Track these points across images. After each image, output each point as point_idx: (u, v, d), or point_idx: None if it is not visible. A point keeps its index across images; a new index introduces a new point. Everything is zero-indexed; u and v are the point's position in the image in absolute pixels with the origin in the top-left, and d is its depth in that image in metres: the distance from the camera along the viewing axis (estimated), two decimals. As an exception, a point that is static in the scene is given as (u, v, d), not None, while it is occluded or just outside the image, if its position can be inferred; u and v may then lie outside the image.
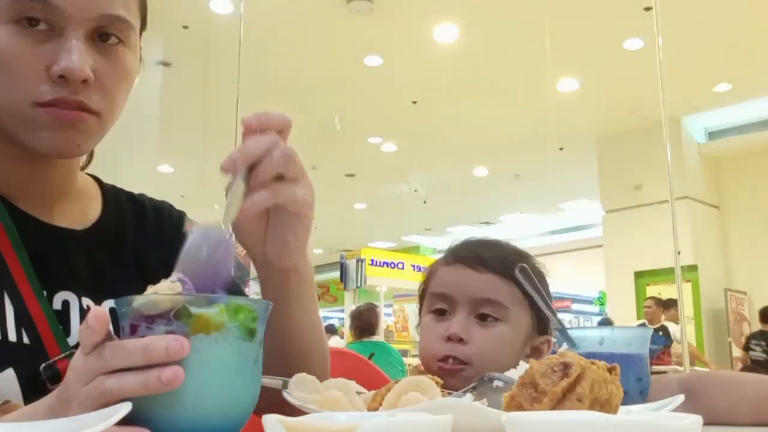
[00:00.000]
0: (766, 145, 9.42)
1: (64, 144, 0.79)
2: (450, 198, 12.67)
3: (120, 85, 0.82)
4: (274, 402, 0.65)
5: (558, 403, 0.52)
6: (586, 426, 0.45)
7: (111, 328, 0.55)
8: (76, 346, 0.58)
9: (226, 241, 0.65)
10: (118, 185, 1.02)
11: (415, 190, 11.92)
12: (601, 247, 10.60)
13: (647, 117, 8.01)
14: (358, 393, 0.67)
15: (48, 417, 0.56)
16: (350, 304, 14.61)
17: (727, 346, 9.30)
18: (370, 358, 1.85)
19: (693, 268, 8.77)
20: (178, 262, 0.63)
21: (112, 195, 0.97)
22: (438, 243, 16.35)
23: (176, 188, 11.23)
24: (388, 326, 13.28)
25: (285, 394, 0.67)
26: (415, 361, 9.33)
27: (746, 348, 7.64)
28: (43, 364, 0.75)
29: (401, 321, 13.43)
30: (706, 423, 0.49)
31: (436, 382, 0.64)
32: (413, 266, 12.46)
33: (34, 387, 0.73)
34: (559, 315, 1.05)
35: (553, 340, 1.18)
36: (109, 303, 0.85)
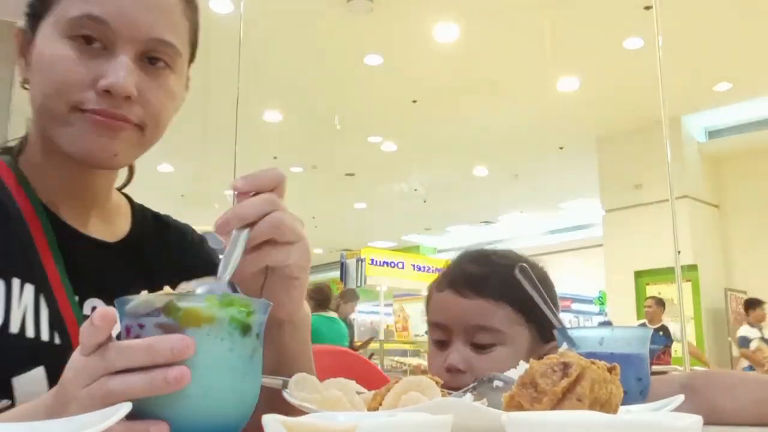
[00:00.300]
0: (766, 145, 9.42)
1: (99, 150, 0.82)
2: (450, 197, 12.68)
3: (164, 105, 0.85)
4: (274, 402, 0.65)
5: (558, 403, 0.52)
6: (586, 426, 0.45)
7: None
8: None
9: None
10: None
11: (415, 190, 11.92)
12: (601, 247, 10.60)
13: (647, 117, 8.01)
14: (358, 393, 0.67)
15: (45, 417, 0.56)
16: (350, 303, 14.61)
17: (727, 346, 9.30)
18: (370, 358, 1.85)
19: (693, 268, 8.77)
20: None
21: (140, 213, 1.02)
22: (438, 242, 16.37)
23: (176, 188, 11.25)
24: (388, 326, 13.28)
25: (285, 394, 0.67)
26: (415, 361, 9.33)
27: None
28: (66, 366, 0.76)
29: (401, 321, 13.44)
30: (707, 423, 0.49)
31: (436, 382, 0.64)
32: (413, 266, 12.47)
33: None
34: (559, 315, 1.05)
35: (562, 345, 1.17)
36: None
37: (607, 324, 8.42)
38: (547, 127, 9.14)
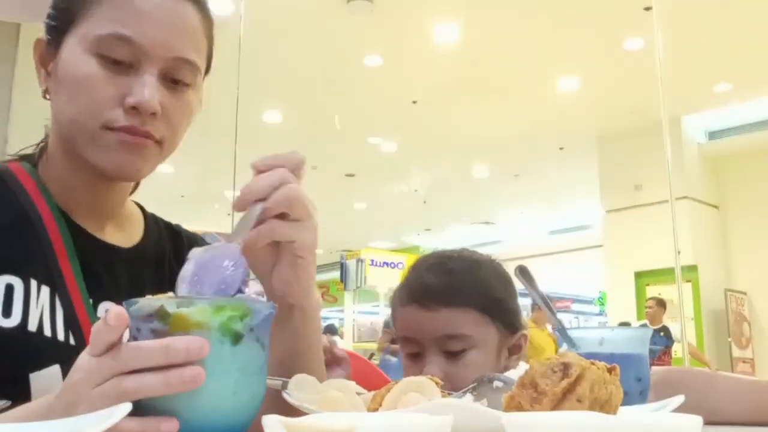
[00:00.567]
0: (766, 145, 9.42)
1: (127, 166, 0.86)
2: (450, 198, 12.68)
3: (182, 121, 0.90)
4: (273, 402, 0.65)
5: (558, 404, 0.52)
6: (586, 426, 0.45)
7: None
8: None
9: (237, 257, 0.67)
10: None
11: (415, 190, 11.93)
12: (601, 248, 10.60)
13: (647, 117, 8.01)
14: (358, 393, 0.67)
15: (48, 418, 0.56)
16: (350, 304, 14.65)
17: (727, 346, 9.30)
18: (370, 359, 1.85)
19: (693, 268, 8.77)
20: (185, 278, 0.66)
21: (152, 221, 1.06)
22: (438, 242, 16.35)
23: (176, 188, 11.25)
24: (388, 326, 13.27)
25: (285, 395, 0.67)
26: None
27: None
28: (72, 367, 0.77)
29: (401, 321, 13.42)
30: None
31: (436, 383, 0.64)
32: (413, 266, 12.46)
33: None
34: (559, 315, 1.05)
35: (527, 332, 1.24)
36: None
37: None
38: (547, 127, 9.13)
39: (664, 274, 8.10)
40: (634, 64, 7.08)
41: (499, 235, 15.58)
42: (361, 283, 12.85)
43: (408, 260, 12.55)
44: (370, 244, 15.39)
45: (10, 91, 4.13)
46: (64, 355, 0.79)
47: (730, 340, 9.34)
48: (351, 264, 13.28)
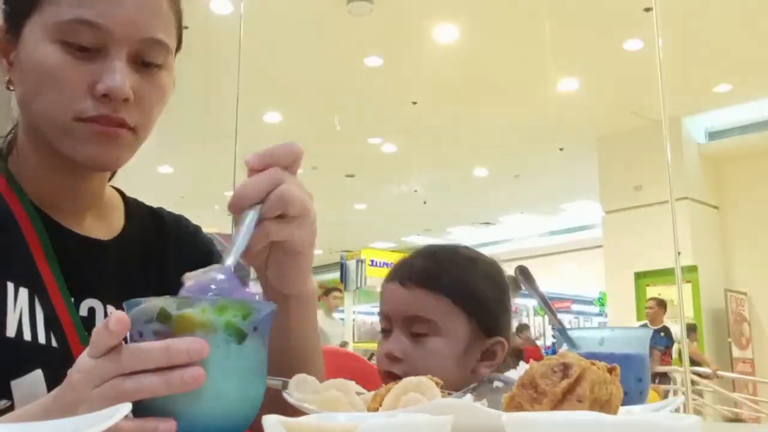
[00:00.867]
0: (766, 145, 9.42)
1: (104, 157, 0.82)
2: (450, 198, 12.67)
3: (156, 105, 0.86)
4: (273, 402, 0.65)
5: (558, 404, 0.52)
6: (586, 426, 0.45)
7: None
8: None
9: (226, 283, 0.65)
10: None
11: (415, 191, 11.92)
12: (601, 248, 10.60)
13: (647, 117, 8.01)
14: (358, 393, 0.67)
15: (47, 419, 0.56)
16: (350, 305, 14.64)
17: (727, 346, 9.30)
18: (370, 359, 1.85)
19: (693, 269, 8.77)
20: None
21: (134, 207, 1.01)
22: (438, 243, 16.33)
23: (176, 188, 11.26)
24: (388, 326, 13.26)
25: (285, 395, 0.67)
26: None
27: None
28: (71, 369, 0.76)
29: (401, 321, 13.41)
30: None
31: (436, 383, 0.64)
32: (413, 266, 12.44)
33: None
34: (559, 315, 1.05)
35: (503, 340, 1.19)
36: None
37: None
38: (547, 127, 9.14)
39: (664, 275, 8.10)
40: (634, 64, 7.08)
41: (499, 236, 15.59)
42: (361, 283, 12.83)
43: (408, 261, 12.53)
44: (370, 244, 15.38)
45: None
46: (46, 359, 0.78)
47: (730, 340, 9.34)
48: (351, 264, 13.27)
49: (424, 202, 12.60)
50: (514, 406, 0.54)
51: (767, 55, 7.25)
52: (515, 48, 7.12)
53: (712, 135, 10.04)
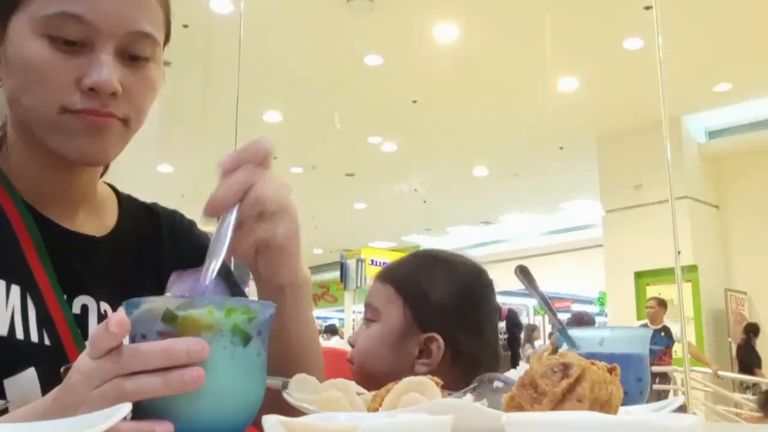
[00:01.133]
0: (766, 145, 9.42)
1: (92, 150, 0.81)
2: (450, 198, 12.68)
3: (145, 97, 0.85)
4: (273, 402, 0.65)
5: (558, 404, 0.52)
6: (586, 426, 0.45)
7: None
8: None
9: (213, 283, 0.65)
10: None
11: (415, 190, 11.92)
12: (601, 247, 10.60)
13: (647, 117, 8.01)
14: (358, 393, 0.67)
15: (46, 419, 0.56)
16: (350, 304, 14.64)
17: (727, 346, 9.30)
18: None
19: (693, 268, 8.77)
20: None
21: (127, 203, 1.00)
22: (438, 243, 16.35)
23: (176, 188, 11.24)
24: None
25: (285, 395, 0.67)
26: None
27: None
28: (64, 367, 0.76)
29: (401, 321, 13.40)
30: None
31: (436, 383, 0.64)
32: (413, 266, 12.44)
33: (54, 387, 0.75)
34: (559, 315, 1.05)
35: (438, 337, 1.18)
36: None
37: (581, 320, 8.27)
38: (547, 127, 9.14)
39: (664, 274, 8.11)
40: (634, 64, 7.07)
41: (499, 235, 15.58)
42: (361, 282, 12.83)
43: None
44: (370, 243, 15.38)
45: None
46: (39, 357, 0.78)
47: (730, 340, 9.34)
48: (351, 264, 13.27)
49: (424, 201, 12.60)
50: (514, 406, 0.54)
51: (767, 54, 7.25)
52: (515, 47, 7.12)
53: (712, 134, 10.04)
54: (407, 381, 0.64)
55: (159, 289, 0.61)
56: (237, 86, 4.91)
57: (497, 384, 0.68)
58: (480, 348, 1.20)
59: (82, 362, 0.56)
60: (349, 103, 8.53)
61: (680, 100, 7.79)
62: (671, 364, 7.30)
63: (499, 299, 1.29)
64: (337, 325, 14.98)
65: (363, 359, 1.20)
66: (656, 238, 7.60)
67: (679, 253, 4.55)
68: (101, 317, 0.86)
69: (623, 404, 0.57)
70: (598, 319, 13.98)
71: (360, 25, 6.66)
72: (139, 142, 0.89)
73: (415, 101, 8.51)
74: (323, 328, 12.87)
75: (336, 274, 14.45)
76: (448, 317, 1.18)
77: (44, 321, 0.80)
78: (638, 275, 9.43)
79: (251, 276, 0.82)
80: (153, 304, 0.55)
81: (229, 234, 0.68)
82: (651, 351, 0.93)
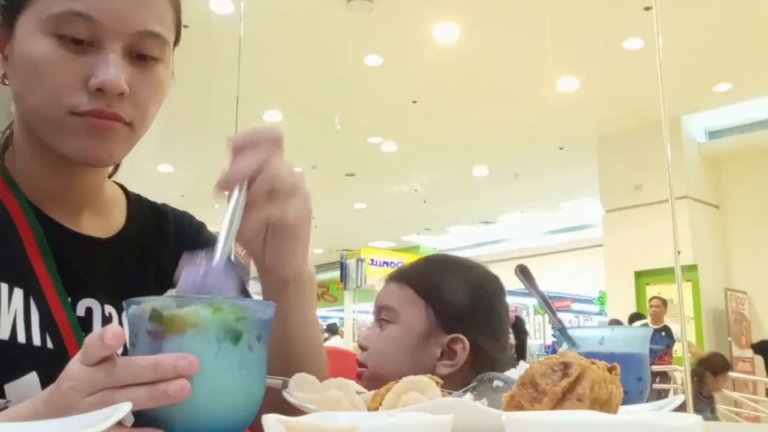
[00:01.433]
0: (766, 145, 9.42)
1: (97, 152, 0.80)
2: (450, 198, 12.67)
3: (153, 98, 0.84)
4: (273, 402, 0.65)
5: (558, 403, 0.52)
6: (586, 426, 0.45)
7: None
8: None
9: (220, 272, 0.65)
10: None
11: (415, 190, 11.92)
12: (601, 247, 10.60)
13: (647, 117, 8.01)
14: (358, 393, 0.67)
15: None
16: (350, 303, 14.63)
17: (727, 346, 9.30)
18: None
19: (693, 268, 8.77)
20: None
21: (136, 204, 0.99)
22: (438, 243, 16.36)
23: (176, 188, 11.25)
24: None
25: (285, 394, 0.67)
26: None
27: None
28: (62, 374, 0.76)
29: (401, 321, 13.40)
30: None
31: (436, 383, 0.64)
32: (413, 266, 12.44)
33: None
34: (559, 315, 1.05)
35: (464, 338, 1.18)
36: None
37: (617, 322, 8.33)
38: (547, 127, 9.13)
39: (664, 274, 8.10)
40: (634, 64, 7.07)
41: (499, 235, 15.58)
42: (361, 282, 12.83)
43: (408, 260, 12.50)
44: (370, 243, 15.38)
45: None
46: (42, 361, 0.77)
47: (730, 339, 9.34)
48: (351, 264, 13.27)
49: (424, 201, 12.59)
50: (515, 405, 0.54)
51: (767, 54, 7.24)
52: (515, 47, 7.11)
53: (712, 134, 10.04)
54: (407, 380, 0.64)
55: (161, 290, 0.61)
56: (237, 86, 4.91)
57: (497, 383, 0.68)
58: (498, 351, 1.20)
59: (74, 368, 0.56)
60: (349, 103, 8.52)
61: (680, 100, 7.79)
62: (672, 364, 7.30)
63: (500, 298, 1.30)
64: (337, 324, 14.96)
65: (380, 361, 1.18)
66: (656, 238, 7.60)
67: (679, 252, 4.54)
68: (106, 320, 0.85)
69: (623, 403, 0.57)
70: (599, 319, 13.99)
71: (360, 25, 6.66)
72: (140, 142, 0.89)
73: (415, 101, 8.51)
74: (324, 327, 12.87)
75: (336, 274, 14.44)
76: (471, 319, 1.18)
77: (47, 324, 0.79)
78: (638, 275, 9.43)
79: (251, 276, 0.82)
80: (143, 304, 0.56)
81: (240, 210, 0.68)
82: (652, 351, 0.93)
